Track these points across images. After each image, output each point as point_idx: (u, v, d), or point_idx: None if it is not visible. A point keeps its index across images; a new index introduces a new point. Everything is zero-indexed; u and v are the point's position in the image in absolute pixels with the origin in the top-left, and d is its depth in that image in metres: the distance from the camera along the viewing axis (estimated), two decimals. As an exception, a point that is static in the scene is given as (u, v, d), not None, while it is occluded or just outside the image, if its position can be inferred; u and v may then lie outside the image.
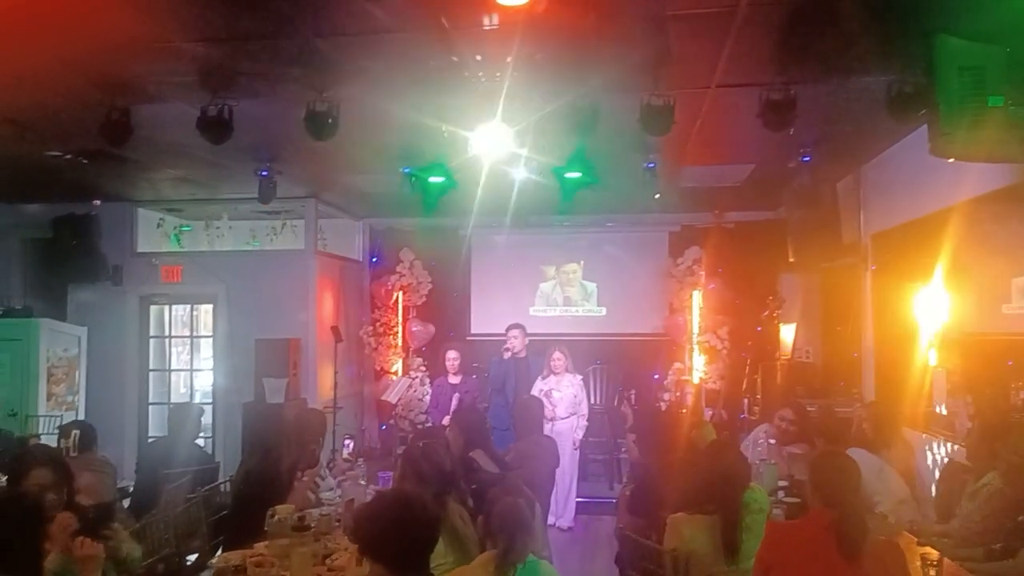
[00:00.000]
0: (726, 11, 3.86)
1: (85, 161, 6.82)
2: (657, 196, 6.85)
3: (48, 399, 8.25)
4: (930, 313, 5.77)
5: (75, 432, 5.22)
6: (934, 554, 3.47)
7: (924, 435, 5.78)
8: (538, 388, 7.57)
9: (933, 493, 5.28)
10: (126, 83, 4.89)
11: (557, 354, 7.70)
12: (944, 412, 5.59)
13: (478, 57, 4.47)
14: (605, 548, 5.27)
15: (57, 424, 7.34)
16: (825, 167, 7.00)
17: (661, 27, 4.08)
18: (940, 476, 5.16)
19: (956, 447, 5.16)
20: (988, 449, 4.30)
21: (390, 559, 2.59)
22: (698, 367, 9.45)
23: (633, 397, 7.57)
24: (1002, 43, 3.58)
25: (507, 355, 7.74)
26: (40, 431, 7.48)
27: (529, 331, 8.04)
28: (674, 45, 4.31)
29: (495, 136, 5.06)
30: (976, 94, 3.54)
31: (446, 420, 6.68)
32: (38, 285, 9.03)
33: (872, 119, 5.40)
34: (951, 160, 4.18)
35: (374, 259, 10.64)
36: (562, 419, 7.49)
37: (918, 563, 3.43)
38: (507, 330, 7.95)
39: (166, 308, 9.54)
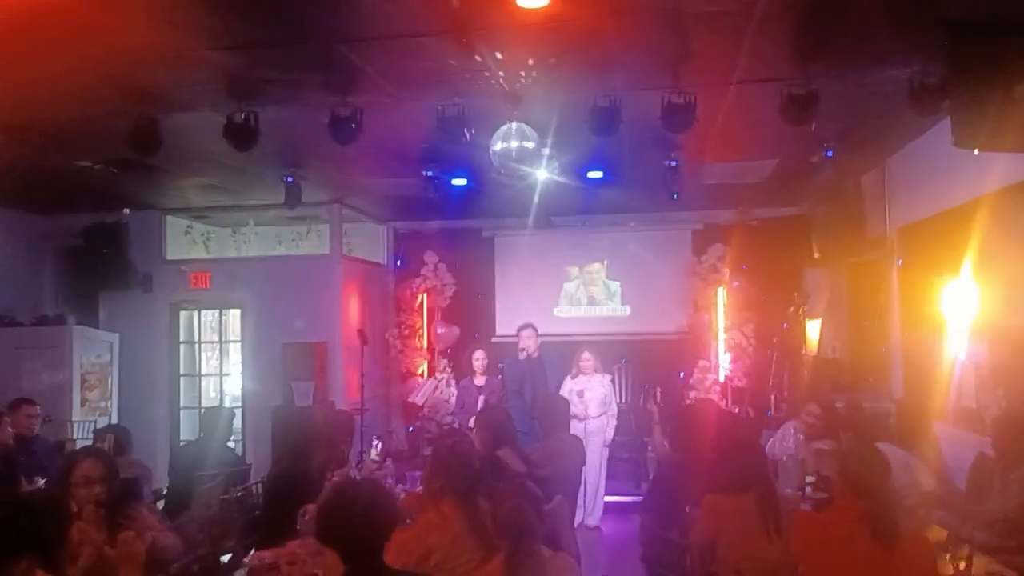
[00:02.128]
0: (745, 7, 3.87)
1: (115, 170, 6.94)
2: (676, 196, 6.84)
3: (82, 405, 8.40)
4: (958, 306, 5.72)
5: (110, 436, 5.33)
6: (964, 546, 3.46)
7: (954, 429, 5.73)
8: (568, 388, 7.59)
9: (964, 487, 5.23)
10: (154, 93, 4.98)
11: (586, 354, 7.71)
12: (974, 406, 5.54)
13: (499, 57, 4.50)
14: (633, 546, 5.28)
15: (92, 429, 7.49)
16: (849, 161, 6.96)
17: (680, 25, 4.09)
18: (970, 470, 5.11)
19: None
20: (1016, 442, 4.26)
21: (335, 545, 2.67)
22: (724, 365, 9.42)
23: (659, 394, 7.53)
24: (1024, 33, 3.56)
25: (522, 355, 7.75)
26: (75, 436, 7.61)
27: (554, 331, 8.03)
28: (693, 43, 4.32)
29: (517, 137, 5.09)
30: (998, 84, 3.52)
31: (472, 422, 6.72)
32: (70, 293, 9.18)
33: (895, 112, 5.37)
34: (976, 151, 4.15)
35: (398, 262, 10.70)
36: (594, 418, 7.52)
37: (948, 555, 3.42)
38: (519, 331, 7.93)
39: (195, 314, 9.68)
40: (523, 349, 7.77)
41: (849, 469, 3.31)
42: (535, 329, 7.95)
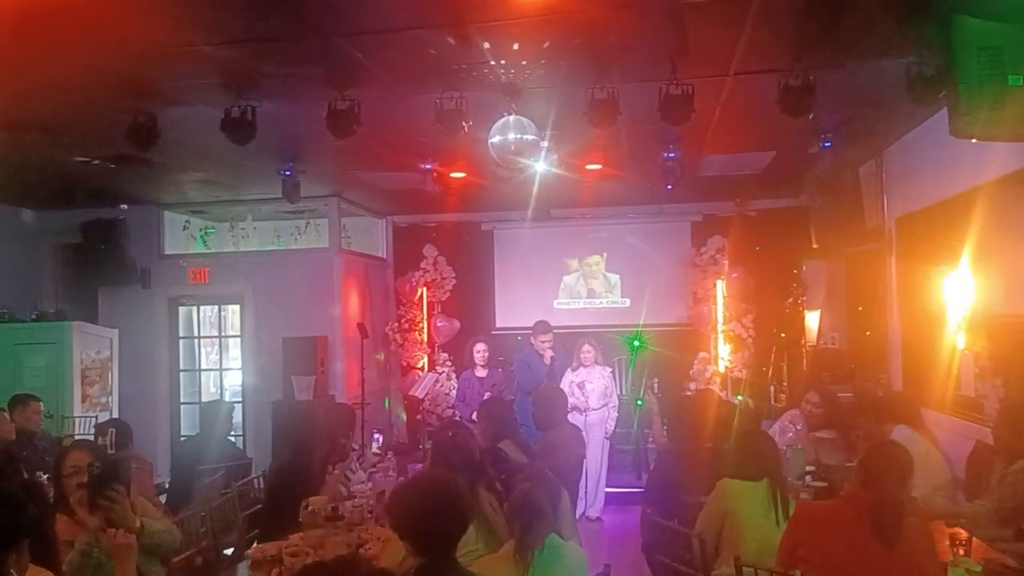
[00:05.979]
0: (742, -2, 3.87)
1: (112, 166, 6.94)
2: (669, 187, 6.83)
3: (83, 400, 8.41)
4: (957, 296, 5.73)
5: (111, 430, 5.33)
6: (963, 533, 3.48)
7: (953, 418, 5.75)
8: (568, 380, 7.60)
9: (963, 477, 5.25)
10: (151, 87, 4.98)
11: (586, 347, 7.71)
12: (973, 395, 5.56)
13: (497, 49, 4.50)
14: (634, 537, 5.32)
15: (92, 424, 7.50)
16: (847, 152, 6.97)
17: (677, 16, 4.09)
18: (968, 459, 5.13)
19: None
20: (1016, 432, 4.27)
21: (415, 539, 2.66)
22: (723, 356, 9.44)
23: (656, 385, 7.57)
24: (1021, 22, 3.55)
25: (548, 359, 7.66)
26: (76, 431, 7.63)
27: (554, 324, 8.03)
28: (691, 34, 4.32)
29: (515, 129, 5.09)
30: (995, 74, 3.51)
31: (475, 415, 6.70)
32: (69, 289, 9.19)
33: (892, 102, 5.38)
34: (973, 140, 4.15)
35: (398, 256, 10.71)
36: (595, 410, 7.54)
37: (947, 542, 3.44)
38: (542, 332, 7.79)
39: (194, 309, 9.70)
40: (549, 349, 7.71)
41: (871, 463, 3.23)
42: None
